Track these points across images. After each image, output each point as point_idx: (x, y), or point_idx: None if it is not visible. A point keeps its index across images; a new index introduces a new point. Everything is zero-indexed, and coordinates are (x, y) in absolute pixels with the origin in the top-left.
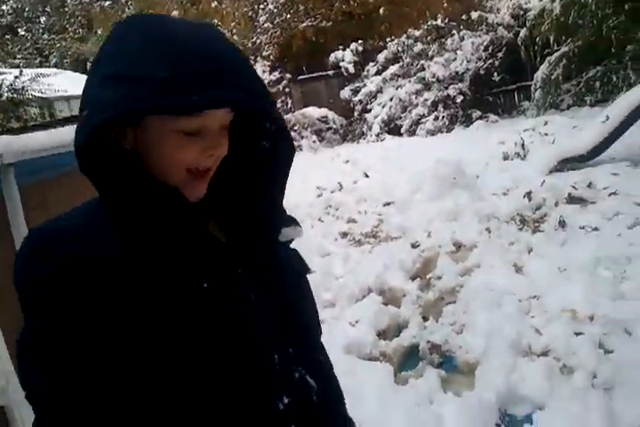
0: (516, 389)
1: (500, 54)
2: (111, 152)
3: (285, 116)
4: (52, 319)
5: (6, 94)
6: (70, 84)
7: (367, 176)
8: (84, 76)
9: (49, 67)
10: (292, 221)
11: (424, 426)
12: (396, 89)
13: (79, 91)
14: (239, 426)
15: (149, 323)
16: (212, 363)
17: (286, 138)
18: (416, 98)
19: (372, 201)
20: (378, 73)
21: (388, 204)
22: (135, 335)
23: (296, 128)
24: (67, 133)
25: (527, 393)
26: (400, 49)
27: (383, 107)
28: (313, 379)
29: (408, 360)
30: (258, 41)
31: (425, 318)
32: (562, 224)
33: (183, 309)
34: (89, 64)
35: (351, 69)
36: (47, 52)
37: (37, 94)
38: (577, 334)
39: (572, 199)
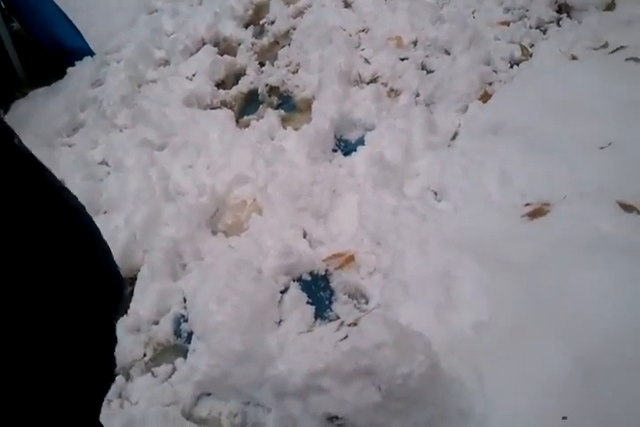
0: (349, 115)
1: None
2: None
3: None
4: None
5: None
6: None
7: None
8: None
9: None
10: None
11: (267, 158)
12: None
13: None
14: None
15: None
16: None
17: None
18: None
19: None
20: None
21: None
22: None
23: None
24: None
25: (359, 118)
26: None
27: None
28: None
29: (248, 105)
30: None
31: (261, 64)
32: None
33: None
34: None
35: None
36: None
37: None
38: (402, 59)
39: None
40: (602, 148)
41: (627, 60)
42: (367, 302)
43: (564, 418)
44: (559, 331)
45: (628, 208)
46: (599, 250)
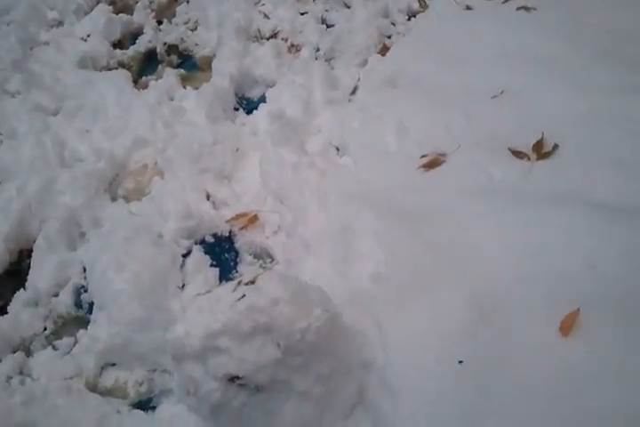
0: (250, 72)
1: None
2: None
3: None
4: None
5: None
6: None
7: None
8: None
9: None
10: None
11: (166, 119)
12: None
13: None
14: None
15: None
16: None
17: None
18: None
19: None
20: None
21: None
22: None
23: None
24: None
25: (260, 74)
26: None
27: None
28: None
29: (147, 66)
30: None
31: (159, 22)
32: None
33: None
34: None
35: None
36: None
37: None
38: (302, 13)
39: None
40: (494, 96)
41: (518, 9)
42: (273, 261)
43: (460, 362)
44: (455, 278)
45: (518, 155)
46: (492, 197)
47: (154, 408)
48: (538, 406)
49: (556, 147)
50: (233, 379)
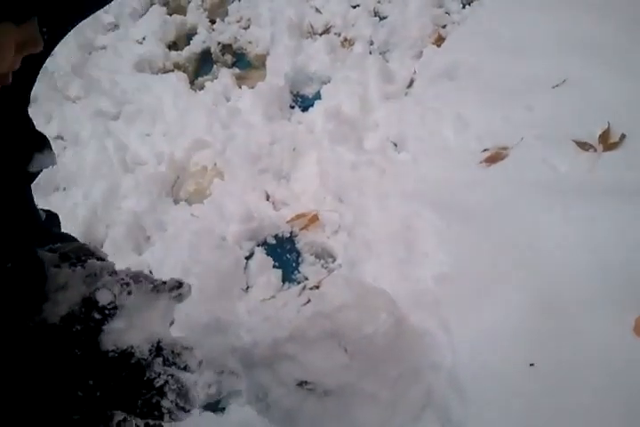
0: (304, 69)
1: None
2: None
3: None
4: None
5: None
6: None
7: None
8: None
9: None
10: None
11: (223, 121)
12: None
13: None
14: None
15: None
16: None
17: None
18: None
19: None
20: None
21: None
22: None
23: None
24: None
25: (314, 71)
26: None
27: None
28: None
29: (202, 66)
30: None
31: (212, 21)
32: None
33: None
34: None
35: None
36: None
37: None
38: (354, 6)
39: None
40: (555, 86)
41: None
42: (334, 261)
43: (532, 365)
44: (521, 277)
45: (584, 146)
46: (557, 192)
47: (223, 409)
48: (611, 407)
49: (623, 137)
50: (302, 384)
